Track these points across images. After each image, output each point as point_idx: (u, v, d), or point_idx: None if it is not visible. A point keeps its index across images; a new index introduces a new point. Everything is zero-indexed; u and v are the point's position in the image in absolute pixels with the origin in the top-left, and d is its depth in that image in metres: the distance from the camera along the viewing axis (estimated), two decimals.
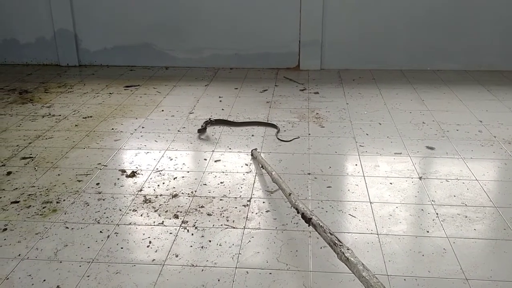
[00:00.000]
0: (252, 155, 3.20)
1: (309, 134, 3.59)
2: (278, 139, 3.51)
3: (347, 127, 3.72)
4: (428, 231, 2.40)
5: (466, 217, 2.52)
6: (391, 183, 2.86)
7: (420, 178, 2.93)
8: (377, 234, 2.37)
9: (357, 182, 2.87)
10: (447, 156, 3.23)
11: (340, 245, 1.89)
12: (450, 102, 4.27)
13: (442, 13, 5.07)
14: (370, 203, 2.65)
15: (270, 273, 2.11)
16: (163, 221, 2.50)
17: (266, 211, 2.58)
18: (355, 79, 4.97)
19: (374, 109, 4.11)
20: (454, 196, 2.72)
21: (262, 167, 2.97)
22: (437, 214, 2.55)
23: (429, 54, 5.22)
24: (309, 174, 2.98)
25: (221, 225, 2.46)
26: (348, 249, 1.86)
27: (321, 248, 2.26)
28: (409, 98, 4.38)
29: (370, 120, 3.86)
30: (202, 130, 3.59)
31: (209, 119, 3.80)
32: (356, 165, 3.10)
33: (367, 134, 3.58)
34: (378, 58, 5.28)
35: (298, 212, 2.27)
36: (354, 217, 2.52)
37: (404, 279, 2.06)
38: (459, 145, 3.39)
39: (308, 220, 2.15)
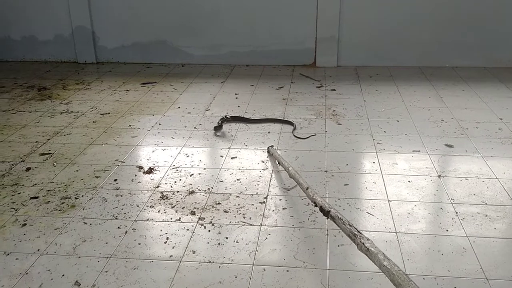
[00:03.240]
0: (268, 152, 3.20)
1: (326, 131, 3.57)
2: (295, 136, 3.49)
3: (365, 124, 3.69)
4: (447, 230, 2.37)
5: (486, 216, 2.48)
6: (409, 181, 2.83)
7: (439, 176, 2.89)
8: (396, 233, 2.34)
9: (374, 180, 2.85)
10: (466, 154, 3.19)
11: (360, 236, 1.88)
12: (469, 99, 4.21)
13: (460, 9, 4.99)
14: (388, 201, 2.62)
15: (287, 271, 2.10)
16: (180, 218, 2.50)
17: (283, 209, 2.57)
18: (372, 76, 4.93)
19: (391, 106, 4.07)
20: (474, 194, 2.68)
21: (278, 163, 2.97)
22: (456, 212, 2.51)
23: (448, 50, 5.15)
24: (326, 171, 2.97)
25: (238, 222, 2.46)
26: (368, 240, 1.85)
27: (338, 246, 2.25)
28: (427, 95, 4.32)
29: (388, 117, 3.82)
30: (218, 128, 3.59)
31: (225, 116, 3.80)
32: (373, 162, 3.07)
33: (384, 132, 3.54)
34: (396, 55, 5.22)
35: (315, 205, 2.27)
36: (372, 215, 2.49)
37: (423, 278, 2.03)
38: (478, 143, 3.34)
39: (326, 213, 2.14)
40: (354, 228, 1.94)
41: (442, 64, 5.19)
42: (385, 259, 1.72)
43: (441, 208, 2.56)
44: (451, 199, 2.64)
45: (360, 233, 1.90)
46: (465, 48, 5.12)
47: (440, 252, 2.20)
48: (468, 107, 4.03)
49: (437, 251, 2.21)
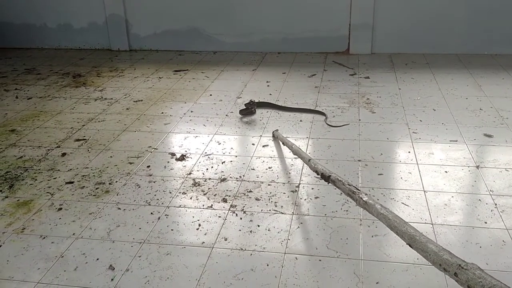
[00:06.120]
0: (273, 136, 3.25)
1: (360, 120, 3.51)
2: (328, 124, 3.44)
3: (400, 113, 3.60)
4: (486, 222, 2.29)
5: None
6: (446, 172, 2.75)
7: (477, 166, 2.80)
8: (432, 224, 2.28)
9: (410, 170, 2.78)
10: (506, 144, 3.08)
11: (359, 192, 1.99)
12: (509, 88, 4.06)
13: None
14: (424, 191, 2.56)
15: (320, 260, 2.07)
16: (212, 205, 2.51)
17: (315, 198, 2.54)
18: (408, 64, 4.80)
19: (428, 94, 3.96)
20: None
21: (283, 144, 3.00)
22: (495, 204, 2.43)
23: (487, 37, 4.97)
24: (359, 161, 2.91)
25: (270, 210, 2.45)
26: (366, 194, 1.96)
27: (372, 236, 2.21)
28: (465, 84, 4.19)
29: (424, 106, 3.72)
30: (243, 111, 3.58)
31: (251, 100, 3.77)
32: (409, 152, 3.00)
33: (420, 121, 3.45)
34: (432, 41, 5.07)
35: (317, 174, 2.35)
36: (407, 206, 2.44)
37: None
38: None
39: (327, 178, 2.23)
40: (353, 186, 2.05)
41: (481, 51, 5.01)
42: (382, 208, 1.83)
43: (479, 200, 2.48)
44: (490, 190, 2.55)
45: (359, 190, 2.00)
46: (505, 34, 4.93)
47: (478, 244, 2.14)
48: (508, 96, 3.88)
49: (475, 244, 2.14)
